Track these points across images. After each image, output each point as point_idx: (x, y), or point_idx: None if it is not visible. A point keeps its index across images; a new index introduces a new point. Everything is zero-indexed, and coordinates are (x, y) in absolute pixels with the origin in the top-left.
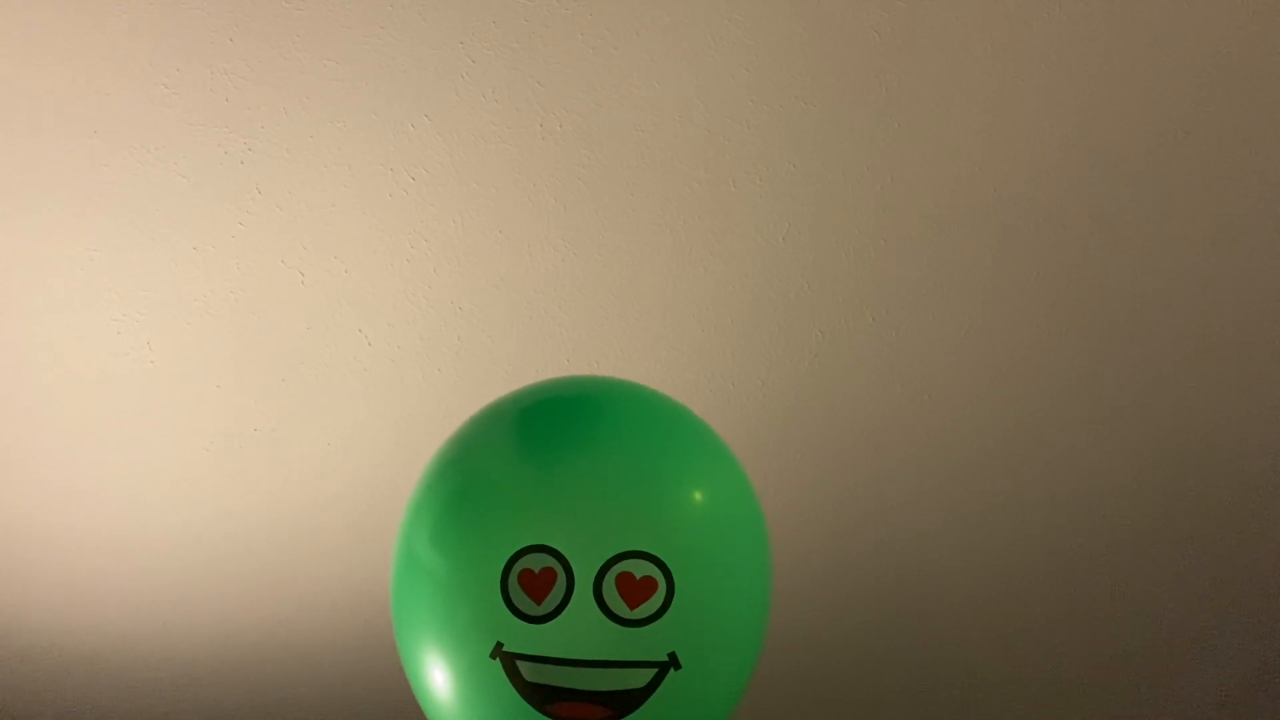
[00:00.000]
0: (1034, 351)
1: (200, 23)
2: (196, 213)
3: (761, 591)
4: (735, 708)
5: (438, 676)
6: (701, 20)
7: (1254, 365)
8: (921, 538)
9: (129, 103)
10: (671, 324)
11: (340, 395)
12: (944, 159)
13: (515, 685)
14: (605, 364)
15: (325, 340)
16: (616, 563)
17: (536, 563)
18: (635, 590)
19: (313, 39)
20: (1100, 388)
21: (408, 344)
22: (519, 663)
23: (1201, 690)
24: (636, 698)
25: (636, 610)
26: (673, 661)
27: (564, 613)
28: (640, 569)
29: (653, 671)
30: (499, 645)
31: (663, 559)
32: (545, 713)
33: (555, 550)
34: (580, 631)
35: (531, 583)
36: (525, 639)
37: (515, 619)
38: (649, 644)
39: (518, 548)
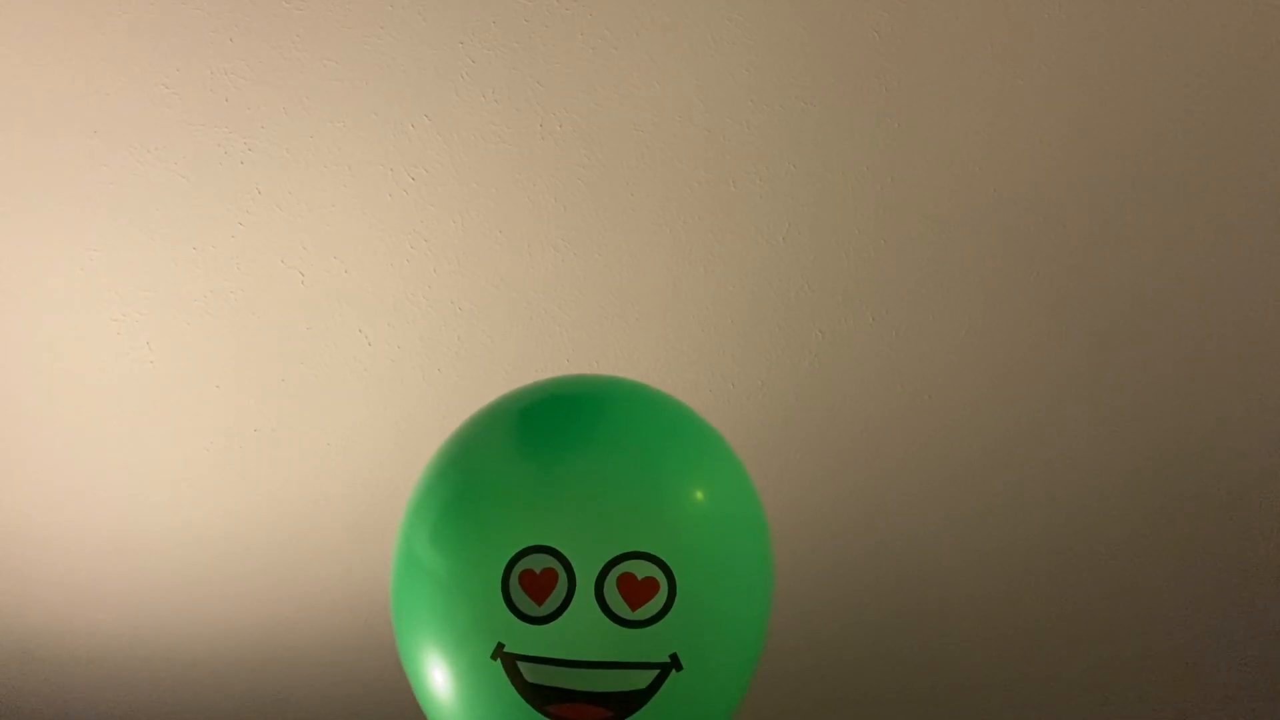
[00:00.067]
0: (1034, 351)
1: (200, 23)
2: (196, 213)
3: (763, 592)
4: (737, 709)
5: (438, 677)
6: (701, 20)
7: (1254, 365)
8: (921, 538)
9: (129, 103)
10: (671, 324)
11: (340, 395)
12: (944, 159)
13: (516, 686)
14: (605, 364)
15: (325, 340)
16: (618, 563)
17: (538, 563)
18: (637, 591)
19: (313, 39)
20: (1100, 388)
21: (408, 344)
22: (520, 663)
23: (1201, 690)
24: (638, 699)
25: (638, 611)
26: (674, 663)
27: (565, 613)
28: (642, 570)
29: (654, 672)
30: (500, 646)
31: (664, 560)
32: (546, 714)
33: (556, 551)
34: (581, 632)
35: (533, 583)
36: (526, 640)
37: (516, 620)
38: (651, 645)
39: (519, 548)
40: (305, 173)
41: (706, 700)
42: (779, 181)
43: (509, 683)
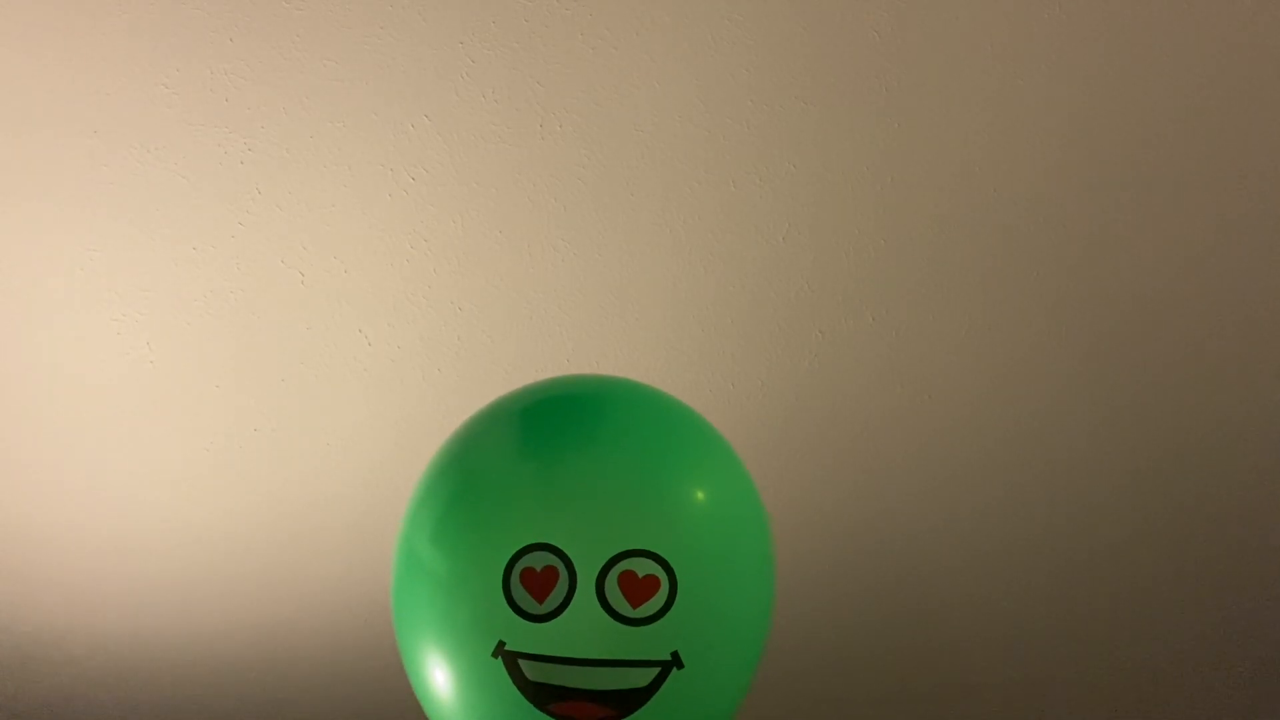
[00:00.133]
0: (1034, 351)
1: (200, 23)
2: (196, 213)
3: (765, 590)
4: (738, 707)
5: (439, 676)
6: (701, 20)
7: (1254, 365)
8: (921, 537)
9: (129, 103)
10: (671, 324)
11: (340, 395)
12: (944, 159)
13: (517, 684)
14: (605, 364)
15: (325, 340)
16: (619, 561)
17: (538, 561)
18: (638, 589)
19: (313, 39)
20: (1100, 388)
21: (408, 344)
22: (521, 661)
23: (1201, 690)
24: (639, 697)
25: (639, 609)
26: (675, 661)
27: (566, 611)
28: (643, 567)
29: (655, 670)
30: (501, 644)
31: (665, 558)
32: (547, 712)
33: (557, 548)
34: (582, 630)
35: (533, 581)
36: (527, 638)
37: (517, 617)
38: (651, 643)
39: (520, 546)
40: (305, 173)
41: (708, 698)
42: (779, 181)
43: (510, 681)
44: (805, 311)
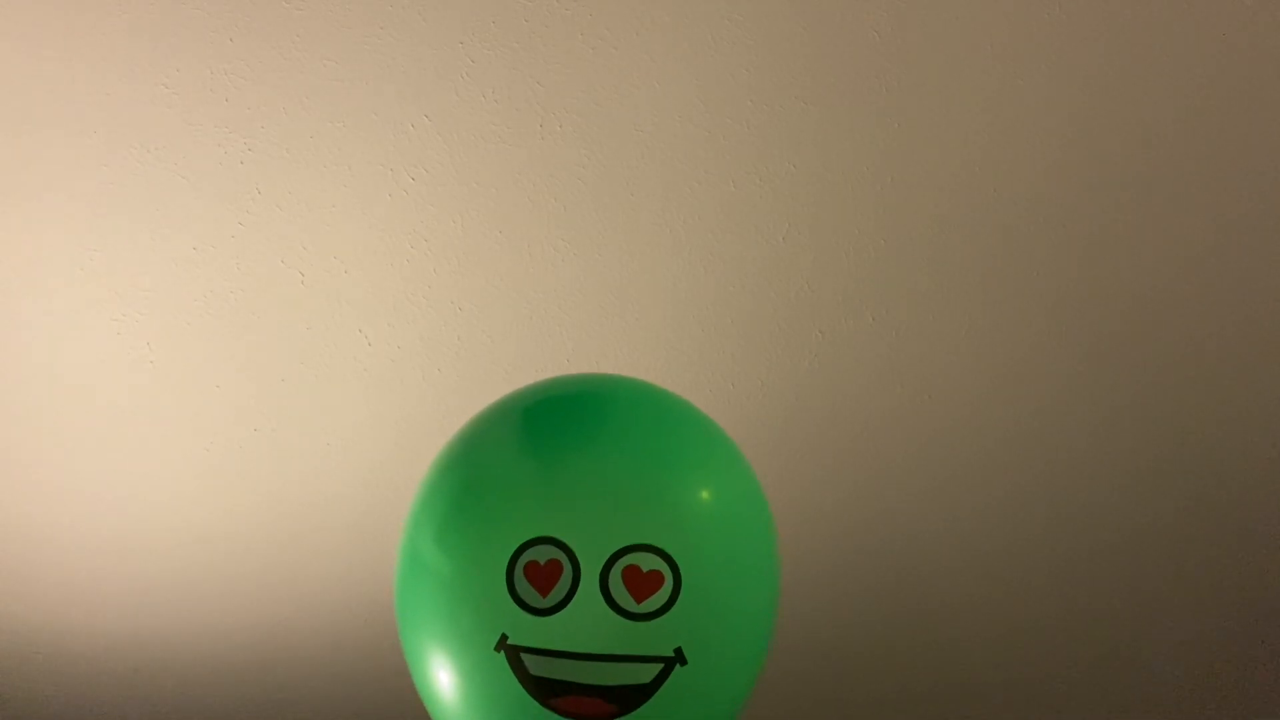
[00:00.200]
0: (1034, 351)
1: (200, 23)
2: (196, 213)
3: (769, 588)
4: (743, 707)
5: (441, 669)
6: (701, 20)
7: (1254, 365)
8: (921, 537)
9: (129, 103)
10: (671, 324)
11: (340, 395)
12: (944, 159)
13: (519, 678)
14: (605, 364)
15: (325, 340)
16: (623, 555)
17: (542, 555)
18: (642, 583)
19: (313, 39)
20: (1100, 388)
21: (408, 344)
22: (523, 655)
23: (1201, 690)
24: (642, 693)
25: (643, 604)
26: (679, 657)
27: (569, 605)
28: (647, 562)
29: (658, 666)
30: (504, 638)
31: (670, 553)
32: (549, 707)
33: (561, 542)
34: (586, 624)
35: (537, 575)
36: (530, 631)
37: (520, 611)
38: (655, 638)
39: (524, 540)
40: (305, 173)
41: (711, 696)
42: (779, 181)
43: (512, 675)
44: (805, 311)
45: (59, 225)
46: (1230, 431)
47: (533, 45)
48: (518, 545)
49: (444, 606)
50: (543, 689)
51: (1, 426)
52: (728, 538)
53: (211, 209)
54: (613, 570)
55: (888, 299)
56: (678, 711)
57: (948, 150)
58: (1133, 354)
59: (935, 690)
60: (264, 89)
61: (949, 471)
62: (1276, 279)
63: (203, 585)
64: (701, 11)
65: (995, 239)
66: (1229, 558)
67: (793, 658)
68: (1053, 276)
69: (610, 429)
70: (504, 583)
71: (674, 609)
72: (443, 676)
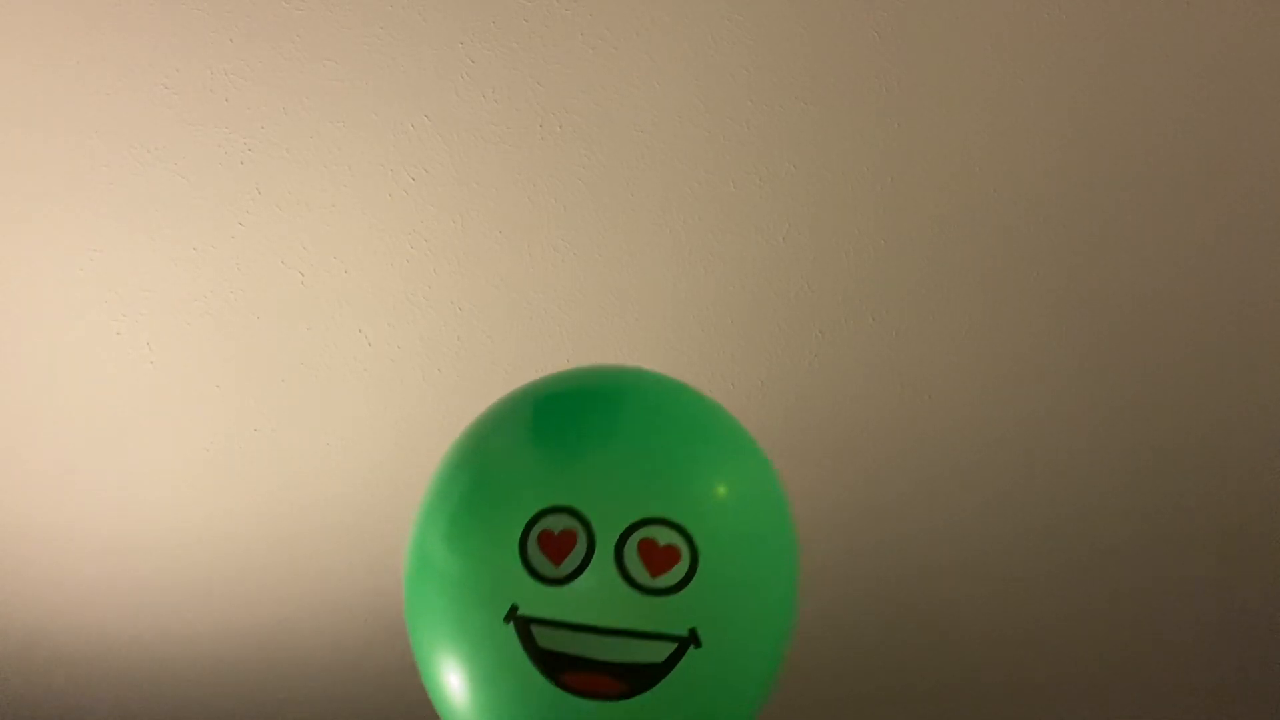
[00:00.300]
0: (1034, 351)
1: (200, 23)
2: (196, 213)
3: (788, 572)
4: (762, 702)
5: (448, 642)
6: (701, 20)
7: (1254, 365)
8: (921, 537)
9: (129, 103)
10: (671, 324)
11: (340, 395)
12: (944, 159)
13: (528, 652)
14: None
15: (325, 340)
16: (640, 528)
17: (557, 523)
18: (658, 557)
19: (313, 39)
20: (1100, 388)
21: (408, 344)
22: (533, 628)
23: (1201, 690)
24: (653, 674)
25: (658, 579)
26: (693, 638)
27: (582, 576)
28: (664, 536)
29: (672, 646)
30: (514, 608)
31: (687, 529)
32: (557, 682)
33: (577, 512)
34: (598, 596)
35: (551, 543)
36: (541, 601)
37: (532, 580)
38: (669, 615)
39: (539, 508)
40: (305, 173)
41: (728, 683)
42: (779, 181)
43: (521, 649)
44: (805, 311)
45: (59, 225)
46: (1230, 431)
47: (533, 45)
48: (532, 513)
49: (455, 572)
50: (551, 663)
51: (2, 426)
52: (747, 518)
53: (211, 209)
54: (628, 542)
55: (888, 299)
56: (691, 697)
57: (948, 150)
58: (1132, 354)
59: (935, 690)
60: (264, 89)
61: (948, 471)
62: (1276, 279)
63: (203, 585)
64: (701, 11)
65: (995, 239)
66: (1229, 558)
67: (791, 657)
68: (1053, 276)
69: (628, 413)
70: (517, 551)
71: (690, 586)
72: (449, 650)
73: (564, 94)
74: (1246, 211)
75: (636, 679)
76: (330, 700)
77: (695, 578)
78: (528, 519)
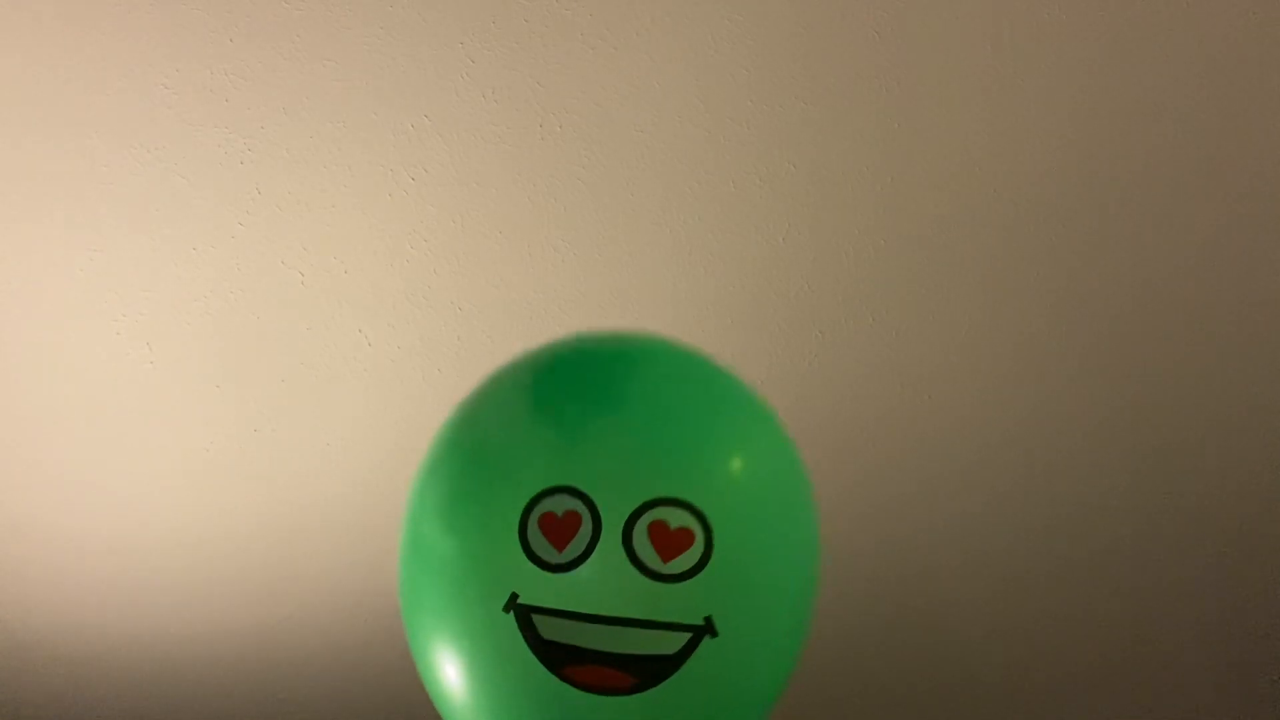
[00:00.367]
0: (1034, 352)
1: (200, 23)
2: (196, 213)
3: (809, 557)
4: (778, 694)
5: (444, 634)
6: (701, 20)
7: (1254, 365)
8: (920, 537)
9: (129, 103)
10: (671, 324)
11: (340, 395)
12: (944, 159)
13: (529, 643)
14: None
15: (325, 340)
16: (650, 509)
17: (559, 505)
18: (669, 541)
19: (313, 39)
20: (1100, 387)
21: (408, 344)
22: (535, 617)
23: (1201, 690)
24: (665, 666)
25: (670, 564)
26: (709, 627)
27: (588, 561)
28: (676, 518)
29: (686, 636)
30: (514, 597)
31: (701, 509)
32: (561, 676)
33: (581, 492)
34: (605, 583)
35: (553, 527)
36: (543, 589)
37: (533, 566)
38: (682, 603)
39: (540, 488)
40: (305, 173)
41: (745, 676)
42: (779, 181)
43: (521, 639)
44: (805, 311)
45: (59, 225)
46: (1230, 431)
47: (533, 45)
48: (532, 495)
49: (451, 559)
50: (554, 655)
51: (2, 426)
52: (766, 497)
53: (211, 209)
54: (638, 525)
55: (888, 299)
56: (705, 690)
57: (948, 150)
58: (1132, 354)
59: (935, 690)
60: (264, 89)
61: (948, 471)
62: (1277, 279)
63: (203, 585)
64: (701, 11)
65: (995, 239)
66: (1229, 558)
67: None
68: (1053, 276)
69: (637, 383)
70: (516, 535)
71: (704, 572)
72: (446, 642)
73: (564, 94)
74: (1246, 211)
75: (647, 672)
76: (330, 700)
77: (710, 563)
78: (527, 500)
